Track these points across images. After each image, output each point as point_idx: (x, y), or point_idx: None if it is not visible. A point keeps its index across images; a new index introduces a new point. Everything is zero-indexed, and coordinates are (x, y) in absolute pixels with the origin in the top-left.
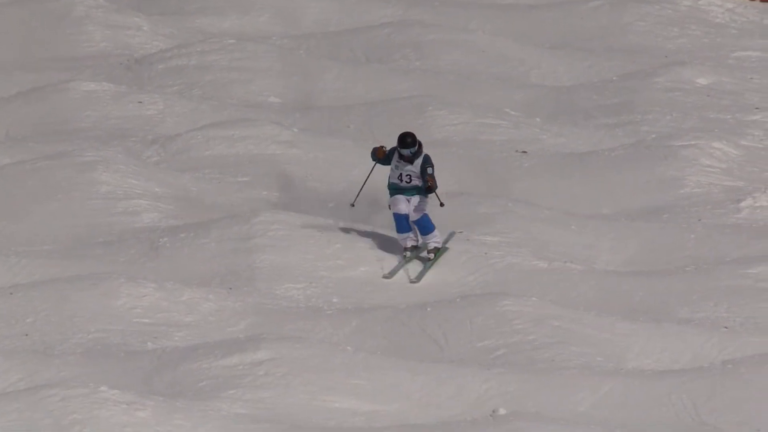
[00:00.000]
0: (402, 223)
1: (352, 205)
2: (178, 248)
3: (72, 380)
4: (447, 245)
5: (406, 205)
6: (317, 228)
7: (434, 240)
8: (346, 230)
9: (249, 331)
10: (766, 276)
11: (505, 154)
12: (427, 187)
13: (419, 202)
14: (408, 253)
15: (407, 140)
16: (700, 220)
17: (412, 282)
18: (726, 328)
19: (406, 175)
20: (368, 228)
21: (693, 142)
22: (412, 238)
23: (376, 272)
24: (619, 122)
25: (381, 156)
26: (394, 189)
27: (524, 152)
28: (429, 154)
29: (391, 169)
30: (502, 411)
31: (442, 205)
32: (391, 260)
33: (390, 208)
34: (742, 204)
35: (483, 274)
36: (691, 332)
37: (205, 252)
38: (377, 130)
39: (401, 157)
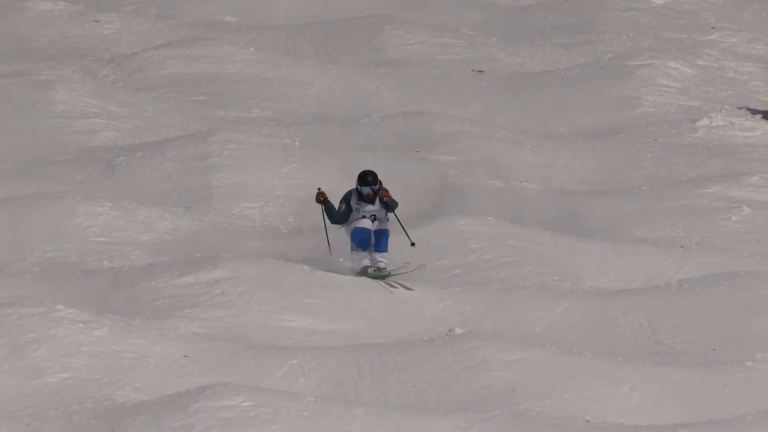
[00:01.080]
0: (361, 237)
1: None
2: (134, 167)
3: (28, 299)
4: (397, 271)
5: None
6: (274, 147)
7: (382, 260)
8: (303, 149)
9: (205, 251)
10: (721, 195)
11: (461, 73)
12: (385, 203)
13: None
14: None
15: (368, 178)
16: (656, 139)
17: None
18: (682, 247)
19: (370, 215)
20: (324, 147)
21: (649, 62)
22: (367, 258)
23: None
24: (576, 42)
25: (320, 200)
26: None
27: (480, 72)
28: None
29: (353, 212)
30: (458, 330)
31: (413, 244)
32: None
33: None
34: (699, 124)
35: (439, 194)
36: (648, 251)
37: (161, 171)
38: (333, 50)
39: (360, 197)
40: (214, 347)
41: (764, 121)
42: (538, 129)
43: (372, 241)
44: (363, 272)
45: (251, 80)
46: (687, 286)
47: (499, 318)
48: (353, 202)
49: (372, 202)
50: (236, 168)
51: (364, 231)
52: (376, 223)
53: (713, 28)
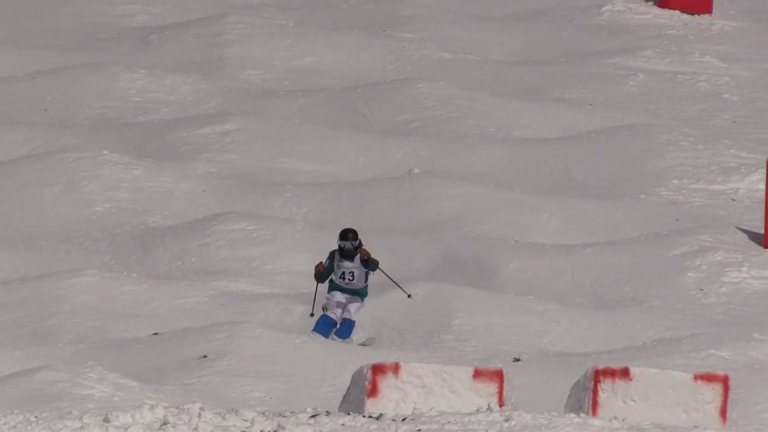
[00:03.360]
0: (325, 326)
1: (312, 315)
2: (164, 42)
3: (81, 146)
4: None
5: (338, 313)
6: (273, 27)
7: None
8: (295, 29)
9: (218, 108)
10: (622, 65)
11: None
12: (364, 261)
13: (358, 309)
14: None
15: (348, 235)
16: (571, 21)
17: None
18: (590, 105)
19: (349, 273)
20: (311, 27)
21: None
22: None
23: (320, 62)
24: None
25: (320, 270)
26: (335, 286)
27: None
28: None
29: (334, 270)
30: (416, 170)
31: (409, 296)
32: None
33: (323, 310)
34: (604, 9)
35: (402, 64)
36: (564, 109)
37: (185, 46)
38: None
39: (342, 254)
40: (226, 184)
41: (655, 7)
42: (479, 13)
43: (334, 328)
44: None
45: None
46: (594, 136)
47: (448, 161)
48: (336, 260)
49: (351, 259)
50: (244, 43)
51: (328, 321)
52: (349, 306)
53: None
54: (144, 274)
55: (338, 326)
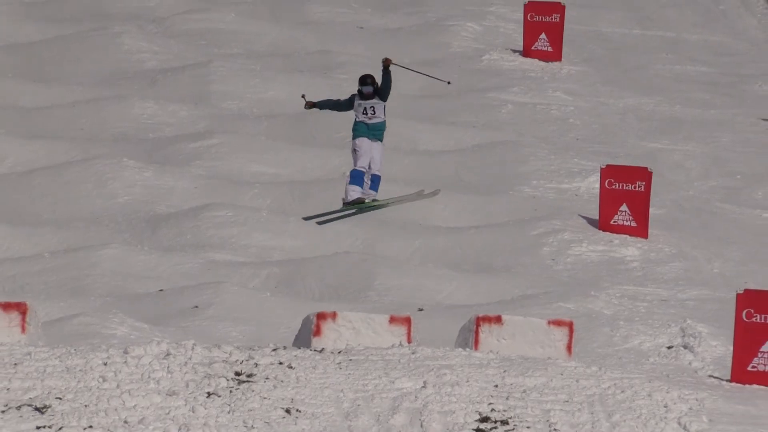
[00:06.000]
0: (359, 177)
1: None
2: (167, 80)
3: (107, 155)
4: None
5: (368, 158)
6: (247, 70)
7: (373, 195)
8: (264, 71)
9: (206, 128)
10: (497, 98)
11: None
12: (385, 65)
13: (381, 152)
14: (347, 206)
15: (367, 80)
16: (459, 66)
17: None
18: (474, 126)
19: (370, 108)
20: (275, 71)
21: (456, 23)
22: (360, 192)
23: (279, 95)
24: (416, 11)
25: (309, 106)
26: (359, 126)
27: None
28: None
29: (355, 109)
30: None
31: (449, 83)
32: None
33: (354, 151)
34: (484, 58)
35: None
36: (455, 129)
37: (182, 83)
38: None
39: (362, 96)
40: (212, 183)
41: (520, 56)
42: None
43: (366, 181)
44: (355, 202)
45: None
46: (477, 149)
47: None
48: (356, 101)
49: (371, 98)
50: (224, 82)
51: (360, 173)
52: (374, 147)
53: (492, 3)
54: (153, 247)
55: (370, 182)
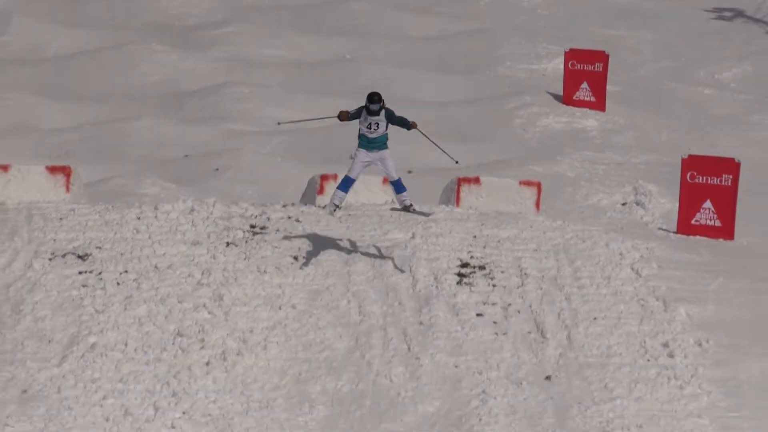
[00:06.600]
0: (347, 184)
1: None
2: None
3: (137, 42)
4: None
5: (360, 169)
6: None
7: (406, 198)
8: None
9: (225, 18)
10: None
11: None
12: (409, 126)
13: (389, 160)
14: (333, 209)
15: (374, 98)
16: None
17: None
18: (456, 16)
19: (375, 124)
20: None
21: None
22: (341, 198)
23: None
24: None
25: (344, 117)
26: (361, 139)
27: None
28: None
29: (360, 122)
30: (347, 56)
31: (456, 162)
32: None
33: (351, 157)
34: None
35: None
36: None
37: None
38: None
39: (369, 112)
40: (229, 64)
41: None
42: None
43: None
44: (334, 209)
45: None
46: (459, 35)
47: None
48: (363, 115)
49: (377, 115)
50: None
51: (349, 181)
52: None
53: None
54: (179, 119)
55: (395, 190)
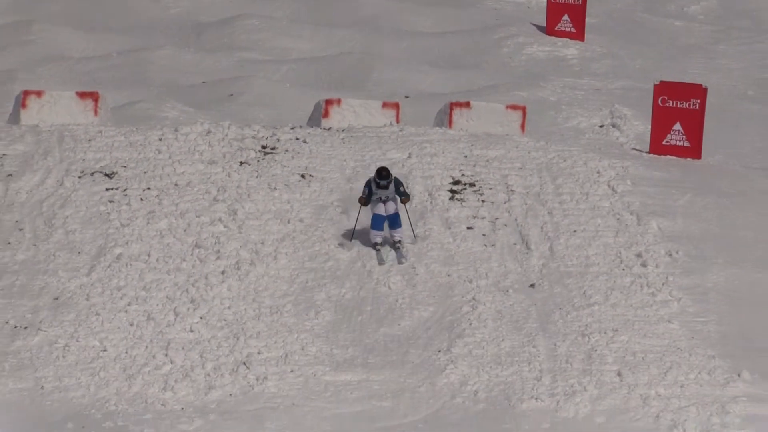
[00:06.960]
0: (378, 222)
1: (351, 240)
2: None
3: None
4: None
5: (382, 208)
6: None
7: (396, 234)
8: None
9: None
10: None
11: None
12: (402, 200)
13: (396, 205)
14: (378, 246)
15: (383, 173)
16: None
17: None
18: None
19: (385, 198)
20: None
21: None
22: (382, 236)
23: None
24: None
25: (362, 201)
26: (378, 220)
27: None
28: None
29: (372, 195)
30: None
31: (415, 236)
32: None
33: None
34: None
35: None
36: None
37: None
38: None
39: (378, 186)
40: None
41: None
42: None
43: (387, 224)
44: (382, 244)
45: None
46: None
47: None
48: (373, 188)
49: (387, 188)
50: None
51: (380, 218)
52: (389, 203)
53: None
54: (197, 49)
55: (389, 220)
